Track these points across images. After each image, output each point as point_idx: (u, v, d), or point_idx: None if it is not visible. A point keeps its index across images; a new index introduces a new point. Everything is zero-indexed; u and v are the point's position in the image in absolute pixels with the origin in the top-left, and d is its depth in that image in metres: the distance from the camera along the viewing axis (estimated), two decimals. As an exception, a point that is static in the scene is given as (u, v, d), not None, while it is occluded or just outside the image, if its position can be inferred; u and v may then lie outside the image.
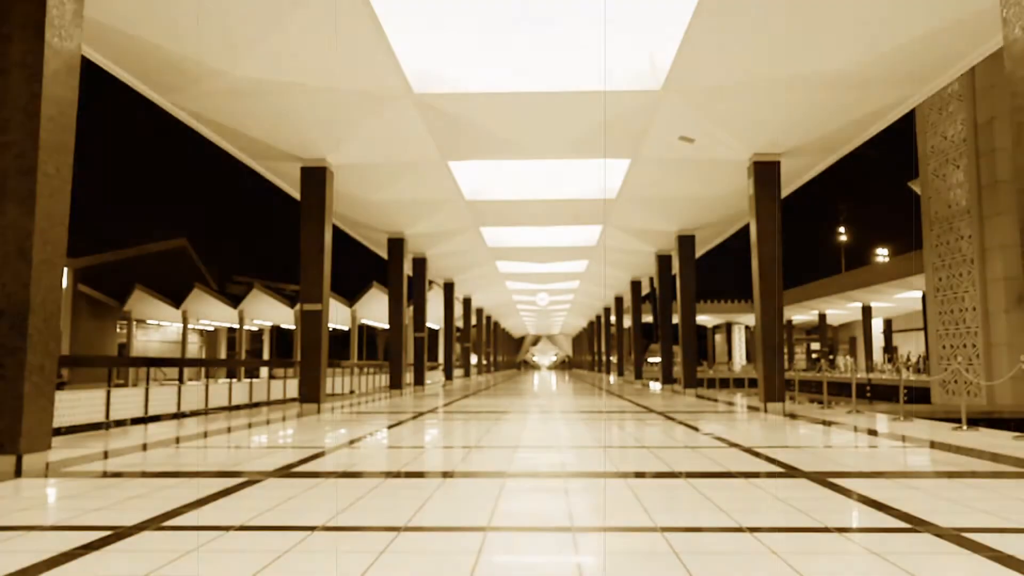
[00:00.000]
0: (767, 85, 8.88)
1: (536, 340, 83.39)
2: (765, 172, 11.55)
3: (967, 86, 19.91)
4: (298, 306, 17.09)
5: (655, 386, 22.14)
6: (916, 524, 3.41)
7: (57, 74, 5.21)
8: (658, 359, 22.65)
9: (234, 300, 35.57)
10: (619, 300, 33.66)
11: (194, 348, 41.54)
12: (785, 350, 11.50)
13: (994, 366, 19.04)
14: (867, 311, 41.84)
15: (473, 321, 37.13)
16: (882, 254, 45.56)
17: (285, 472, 5.14)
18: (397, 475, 5.11)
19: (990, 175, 19.37)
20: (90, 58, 7.75)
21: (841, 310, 46.33)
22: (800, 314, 49.50)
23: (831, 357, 47.57)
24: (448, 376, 27.78)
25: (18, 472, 4.86)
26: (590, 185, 14.19)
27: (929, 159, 21.80)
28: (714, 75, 8.74)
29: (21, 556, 2.88)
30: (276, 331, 43.38)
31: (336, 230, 15.40)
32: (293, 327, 36.55)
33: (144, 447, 6.74)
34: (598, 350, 46.27)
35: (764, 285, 11.44)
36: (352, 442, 7.30)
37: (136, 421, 9.44)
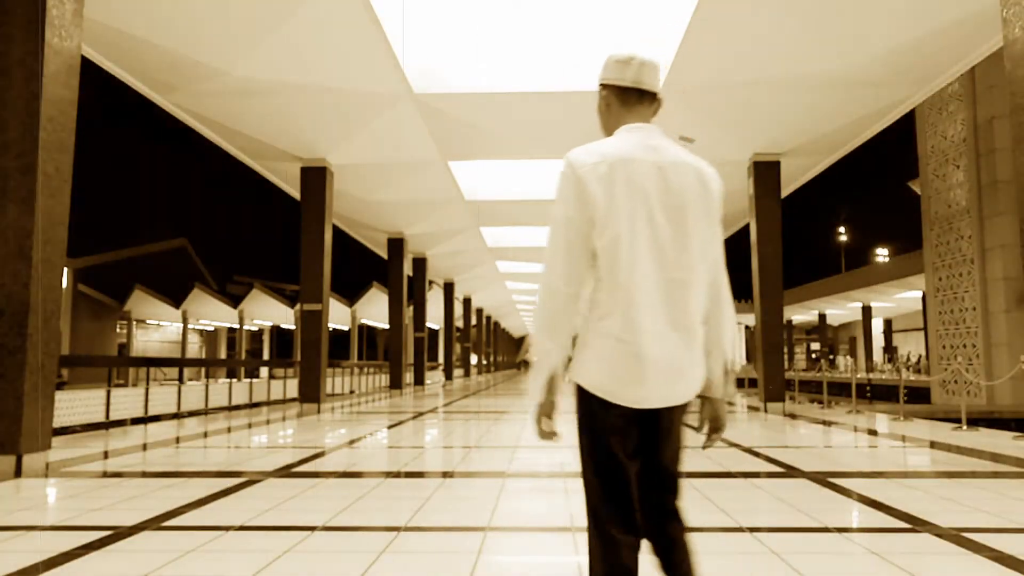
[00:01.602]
0: (767, 85, 8.88)
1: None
2: (765, 172, 11.56)
3: (967, 86, 19.90)
4: (298, 306, 17.09)
5: (655, 386, 22.10)
6: (916, 524, 3.41)
7: (57, 74, 5.21)
8: (658, 359, 22.58)
9: (234, 300, 35.55)
10: (619, 300, 33.60)
11: (194, 348, 41.54)
12: (785, 350, 11.50)
13: (994, 366, 19.04)
14: (867, 311, 41.84)
15: (473, 321, 37.14)
16: (882, 254, 45.59)
17: (285, 472, 5.14)
18: (397, 475, 5.11)
19: (990, 175, 19.36)
20: (90, 58, 7.75)
21: (841, 310, 46.33)
22: (800, 314, 49.50)
23: (831, 357, 47.58)
24: (448, 376, 27.78)
25: (18, 472, 4.86)
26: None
27: (929, 159, 21.80)
28: (714, 75, 8.74)
29: (21, 556, 2.88)
30: (276, 331, 43.38)
31: (336, 230, 15.40)
32: (293, 327, 36.55)
33: (144, 447, 6.75)
34: (598, 350, 46.14)
35: (764, 285, 11.45)
36: (352, 442, 7.30)
37: (136, 421, 9.44)
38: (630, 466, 1.62)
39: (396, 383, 18.46)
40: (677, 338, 1.58)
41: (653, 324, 1.56)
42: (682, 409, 1.66)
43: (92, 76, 7.97)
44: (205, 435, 7.92)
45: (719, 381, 1.70)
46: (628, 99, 1.74)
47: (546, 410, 1.65)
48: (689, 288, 1.60)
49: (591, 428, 1.61)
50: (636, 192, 1.58)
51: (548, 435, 1.68)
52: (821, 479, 4.69)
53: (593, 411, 1.61)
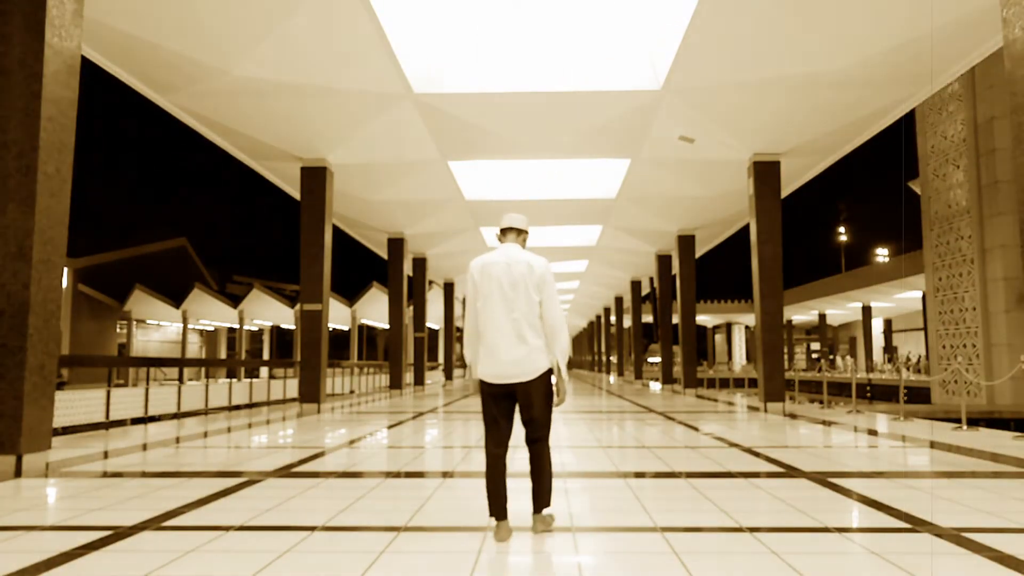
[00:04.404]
0: (767, 85, 8.88)
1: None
2: (765, 172, 11.55)
3: (967, 86, 19.90)
4: (298, 306, 17.09)
5: (655, 386, 22.14)
6: (916, 524, 3.41)
7: (57, 74, 5.21)
8: (658, 359, 22.64)
9: (234, 300, 35.54)
10: (619, 300, 33.66)
11: (194, 348, 41.52)
12: (785, 350, 11.49)
13: (994, 366, 19.04)
14: (867, 311, 41.85)
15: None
16: (882, 254, 45.58)
17: (285, 472, 5.14)
18: (397, 475, 5.11)
19: (990, 175, 19.36)
20: (90, 58, 7.75)
21: (841, 310, 46.33)
22: (800, 314, 49.50)
23: (831, 357, 47.57)
24: (448, 376, 27.77)
25: (18, 472, 4.86)
26: (590, 185, 14.19)
27: (929, 159, 21.80)
28: (714, 75, 8.74)
29: (21, 556, 2.88)
30: (276, 331, 43.37)
31: (336, 230, 15.40)
32: (293, 327, 36.56)
33: (144, 447, 6.75)
34: (598, 350, 46.28)
35: (764, 285, 11.44)
36: (352, 442, 7.30)
37: (136, 421, 9.44)
38: (500, 415, 3.23)
39: (396, 383, 18.46)
40: (517, 348, 3.17)
41: (504, 341, 3.18)
42: (531, 384, 3.17)
43: (92, 76, 7.97)
44: (205, 435, 7.92)
45: (557, 371, 3.23)
46: (504, 231, 3.48)
47: (474, 388, 3.32)
48: (523, 323, 3.18)
49: (482, 394, 3.24)
50: (493, 279, 3.25)
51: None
52: (821, 479, 4.69)
53: (482, 388, 3.24)
